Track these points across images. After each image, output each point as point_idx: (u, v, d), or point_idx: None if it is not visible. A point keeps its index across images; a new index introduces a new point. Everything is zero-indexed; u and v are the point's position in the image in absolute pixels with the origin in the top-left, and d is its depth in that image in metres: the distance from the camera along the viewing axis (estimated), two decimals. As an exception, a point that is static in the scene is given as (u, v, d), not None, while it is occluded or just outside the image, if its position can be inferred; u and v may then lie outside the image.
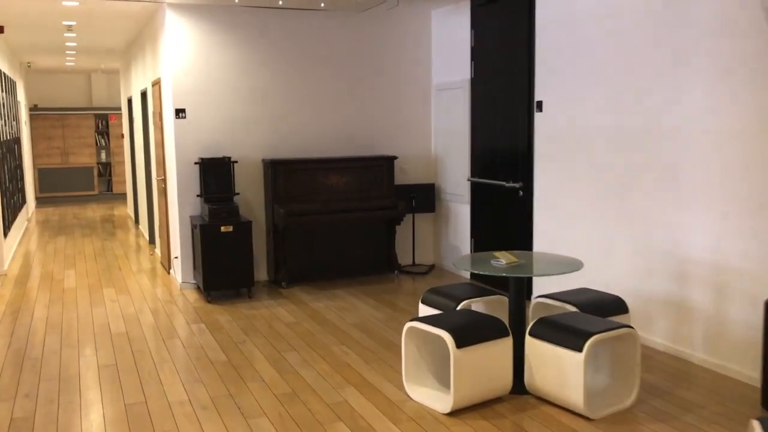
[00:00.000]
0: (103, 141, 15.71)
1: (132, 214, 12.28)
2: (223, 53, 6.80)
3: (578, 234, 5.53)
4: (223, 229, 6.30)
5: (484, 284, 6.67)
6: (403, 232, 7.67)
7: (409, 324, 3.99)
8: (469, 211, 7.05)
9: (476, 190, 6.90)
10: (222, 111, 6.85)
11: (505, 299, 4.50)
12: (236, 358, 4.81)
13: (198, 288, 6.83)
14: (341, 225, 7.12)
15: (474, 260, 4.42)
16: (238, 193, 6.71)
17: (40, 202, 15.18)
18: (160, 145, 7.63)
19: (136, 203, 11.39)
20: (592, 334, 3.66)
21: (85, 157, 15.46)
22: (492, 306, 4.57)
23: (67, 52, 11.13)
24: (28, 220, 12.40)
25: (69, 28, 8.53)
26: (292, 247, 6.96)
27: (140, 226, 11.01)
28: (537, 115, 5.94)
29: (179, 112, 6.72)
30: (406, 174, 7.62)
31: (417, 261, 7.77)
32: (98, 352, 4.98)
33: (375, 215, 6.98)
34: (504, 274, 4.00)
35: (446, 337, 3.70)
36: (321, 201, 6.92)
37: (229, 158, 6.59)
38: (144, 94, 9.19)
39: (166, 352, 4.96)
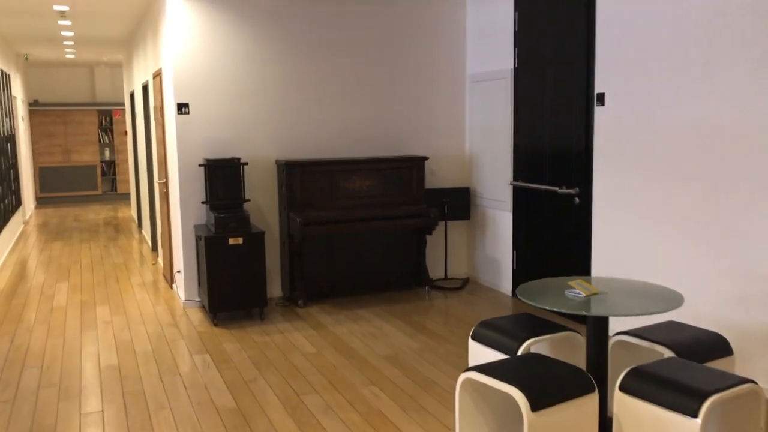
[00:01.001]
0: (107, 138, 14.94)
1: (136, 217, 11.50)
2: (232, 40, 5.97)
3: (650, 251, 4.66)
4: (231, 241, 5.48)
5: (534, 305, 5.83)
6: (433, 241, 6.83)
7: (465, 375, 3.15)
8: (510, 219, 6.20)
9: (520, 196, 6.04)
10: (230, 106, 6.03)
11: (577, 336, 3.65)
12: (246, 402, 3.98)
13: (203, 307, 6.01)
14: (365, 235, 6.28)
15: (542, 290, 3.57)
16: (248, 199, 5.88)
17: (41, 202, 14.43)
18: (162, 143, 6.82)
19: (139, 206, 10.60)
20: (710, 393, 2.80)
21: (88, 155, 14.70)
22: (561, 346, 3.72)
23: (64, 42, 10.34)
24: (25, 223, 11.64)
25: (62, 15, 7.72)
26: (309, 261, 6.13)
27: (143, 231, 10.22)
28: (597, 110, 5.07)
29: (181, 107, 5.90)
30: (436, 176, 6.77)
31: (449, 274, 6.93)
32: (82, 394, 4.17)
33: (404, 224, 6.13)
34: (584, 313, 3.15)
35: (519, 397, 2.85)
36: (342, 208, 6.08)
37: (239, 159, 5.77)
38: (145, 88, 8.39)
39: (164, 394, 4.14)
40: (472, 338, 3.81)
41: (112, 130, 14.90)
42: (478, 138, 6.64)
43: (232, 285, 5.50)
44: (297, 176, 5.96)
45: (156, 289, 6.79)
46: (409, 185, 6.36)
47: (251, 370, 4.49)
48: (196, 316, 5.81)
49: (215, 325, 5.51)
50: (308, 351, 4.85)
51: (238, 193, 5.80)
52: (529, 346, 3.52)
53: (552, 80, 5.53)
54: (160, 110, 6.76)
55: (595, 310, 3.17)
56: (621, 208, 4.90)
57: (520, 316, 3.89)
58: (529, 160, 5.88)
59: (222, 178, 5.75)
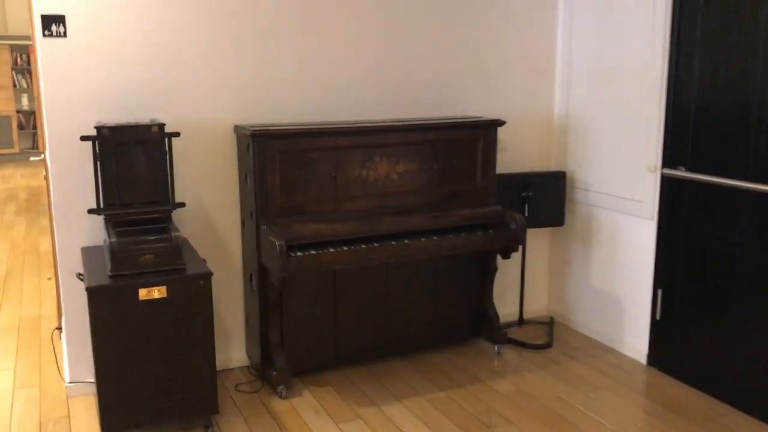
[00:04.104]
0: (24, 82, 11.82)
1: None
2: None
3: None
4: (143, 294, 2.73)
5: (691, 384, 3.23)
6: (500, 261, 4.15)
7: None
8: (653, 232, 3.53)
9: (681, 195, 3.37)
10: (147, 25, 3.20)
11: None
12: None
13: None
14: (395, 263, 3.54)
15: None
16: (182, 204, 3.10)
17: (-60, 163, 11.38)
18: (38, 94, 3.97)
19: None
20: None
21: (0, 104, 11.61)
22: None
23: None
24: None
25: None
26: (296, 313, 3.41)
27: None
28: None
29: (50, 23, 3.07)
30: (508, 153, 4.06)
31: (526, 313, 4.27)
32: None
33: (467, 242, 3.44)
34: None
35: None
36: (356, 215, 3.35)
37: (162, 126, 2.98)
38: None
39: None
40: None
41: (30, 72, 11.75)
42: (581, 88, 3.91)
43: (148, 378, 2.79)
44: (275, 157, 3.19)
45: (32, 345, 4.02)
46: (472, 171, 3.64)
47: None
48: (87, 423, 3.09)
49: (116, 457, 2.80)
50: None
51: (162, 192, 3.02)
52: None
53: (784, -25, 2.81)
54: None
55: None
56: None
57: None
58: (708, 130, 3.19)
59: (129, 162, 2.96)
